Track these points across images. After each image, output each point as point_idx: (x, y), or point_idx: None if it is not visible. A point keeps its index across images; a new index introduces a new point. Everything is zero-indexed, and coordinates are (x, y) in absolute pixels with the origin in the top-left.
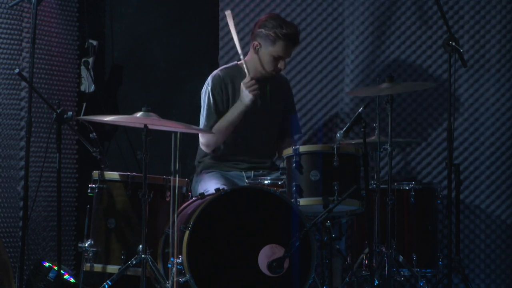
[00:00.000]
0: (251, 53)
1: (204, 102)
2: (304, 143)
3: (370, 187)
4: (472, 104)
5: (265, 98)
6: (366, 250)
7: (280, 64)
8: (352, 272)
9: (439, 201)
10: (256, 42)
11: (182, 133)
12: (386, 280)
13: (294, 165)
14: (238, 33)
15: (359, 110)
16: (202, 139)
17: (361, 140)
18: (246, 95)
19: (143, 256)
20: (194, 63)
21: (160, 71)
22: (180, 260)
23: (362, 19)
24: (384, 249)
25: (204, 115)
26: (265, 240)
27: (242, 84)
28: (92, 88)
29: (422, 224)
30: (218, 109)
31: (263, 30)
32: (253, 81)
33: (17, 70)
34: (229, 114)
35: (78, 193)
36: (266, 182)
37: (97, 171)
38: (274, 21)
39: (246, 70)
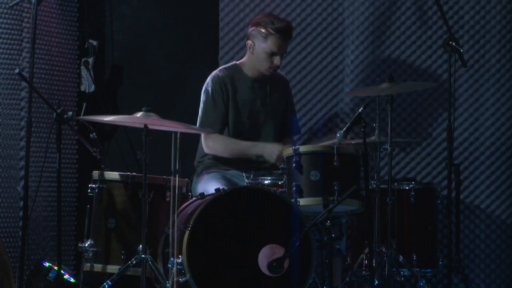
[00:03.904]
0: (247, 54)
1: (202, 101)
2: (304, 143)
3: (370, 187)
4: (472, 104)
5: (265, 98)
6: (366, 250)
7: (276, 60)
8: (352, 272)
9: (439, 201)
10: (250, 42)
11: (182, 133)
12: (386, 280)
13: (294, 165)
14: (238, 33)
15: (359, 110)
16: (209, 141)
17: (361, 140)
18: (271, 156)
19: (143, 256)
20: (194, 63)
21: (160, 71)
22: (180, 260)
23: (362, 19)
24: (384, 249)
25: (203, 114)
26: (265, 240)
27: (280, 148)
28: (92, 88)
29: (422, 224)
30: (217, 109)
31: (254, 28)
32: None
33: (17, 70)
34: (246, 146)
35: (78, 193)
36: (266, 182)
37: (97, 171)
38: (266, 18)
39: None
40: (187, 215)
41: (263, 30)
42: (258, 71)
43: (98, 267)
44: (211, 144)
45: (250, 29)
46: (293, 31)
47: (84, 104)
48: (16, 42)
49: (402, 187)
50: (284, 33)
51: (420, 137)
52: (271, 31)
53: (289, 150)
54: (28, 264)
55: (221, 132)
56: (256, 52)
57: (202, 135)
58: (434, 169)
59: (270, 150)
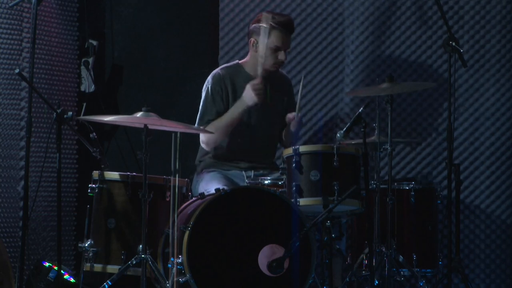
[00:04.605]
0: (250, 52)
1: (202, 99)
2: (304, 143)
3: (370, 187)
4: (472, 104)
5: (265, 98)
6: (366, 250)
7: (280, 56)
8: (352, 272)
9: (439, 201)
10: (252, 39)
11: (182, 133)
12: (386, 280)
13: (294, 165)
14: (238, 33)
15: (359, 110)
16: (202, 137)
17: (361, 140)
18: (250, 97)
19: (143, 256)
20: (194, 63)
21: (160, 71)
22: (180, 260)
23: (362, 19)
24: (384, 249)
25: (202, 112)
26: (265, 240)
27: (249, 84)
28: (92, 88)
29: (422, 224)
30: (216, 107)
31: (256, 25)
32: (261, 85)
33: (17, 70)
34: (229, 112)
35: (78, 193)
36: (266, 182)
37: (97, 171)
38: (266, 14)
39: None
40: (187, 215)
41: (265, 25)
42: (262, 69)
43: (98, 267)
44: (205, 138)
45: (252, 27)
46: (293, 30)
47: (84, 104)
48: (16, 42)
49: (402, 187)
50: (286, 26)
51: (420, 137)
52: (274, 25)
53: (289, 150)
54: (28, 264)
55: None
56: (259, 49)
57: (200, 134)
58: (434, 169)
59: (245, 95)
